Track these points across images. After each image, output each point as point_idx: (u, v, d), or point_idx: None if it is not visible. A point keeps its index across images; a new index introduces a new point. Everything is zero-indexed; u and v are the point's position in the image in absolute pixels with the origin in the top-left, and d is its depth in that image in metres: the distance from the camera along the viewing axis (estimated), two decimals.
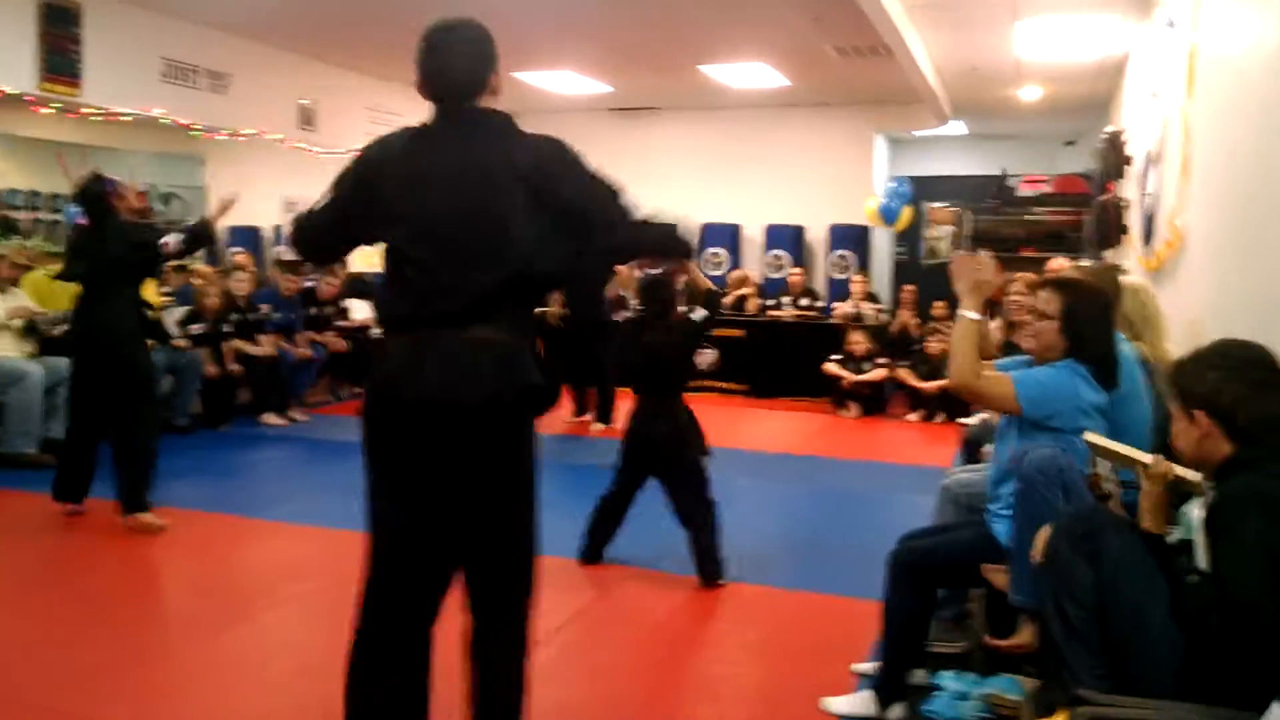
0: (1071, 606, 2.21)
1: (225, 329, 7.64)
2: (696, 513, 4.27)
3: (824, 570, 4.52)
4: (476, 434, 2.13)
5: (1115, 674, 2.20)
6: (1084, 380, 2.82)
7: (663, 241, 2.31)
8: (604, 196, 2.20)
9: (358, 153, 2.28)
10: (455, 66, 2.20)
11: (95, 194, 4.77)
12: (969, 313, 2.91)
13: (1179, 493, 2.39)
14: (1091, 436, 2.63)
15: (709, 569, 4.25)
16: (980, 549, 2.92)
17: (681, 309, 4.47)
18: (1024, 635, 2.75)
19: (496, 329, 2.12)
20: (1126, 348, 3.19)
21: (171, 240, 4.73)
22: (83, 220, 4.86)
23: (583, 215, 2.17)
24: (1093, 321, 2.90)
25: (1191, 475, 2.34)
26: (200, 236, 4.82)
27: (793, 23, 8.01)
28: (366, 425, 2.20)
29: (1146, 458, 2.42)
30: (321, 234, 2.37)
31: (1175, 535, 2.29)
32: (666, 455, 4.32)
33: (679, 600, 4.17)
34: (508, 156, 2.14)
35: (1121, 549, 2.21)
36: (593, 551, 4.47)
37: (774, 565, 4.59)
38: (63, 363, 5.88)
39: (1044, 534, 2.40)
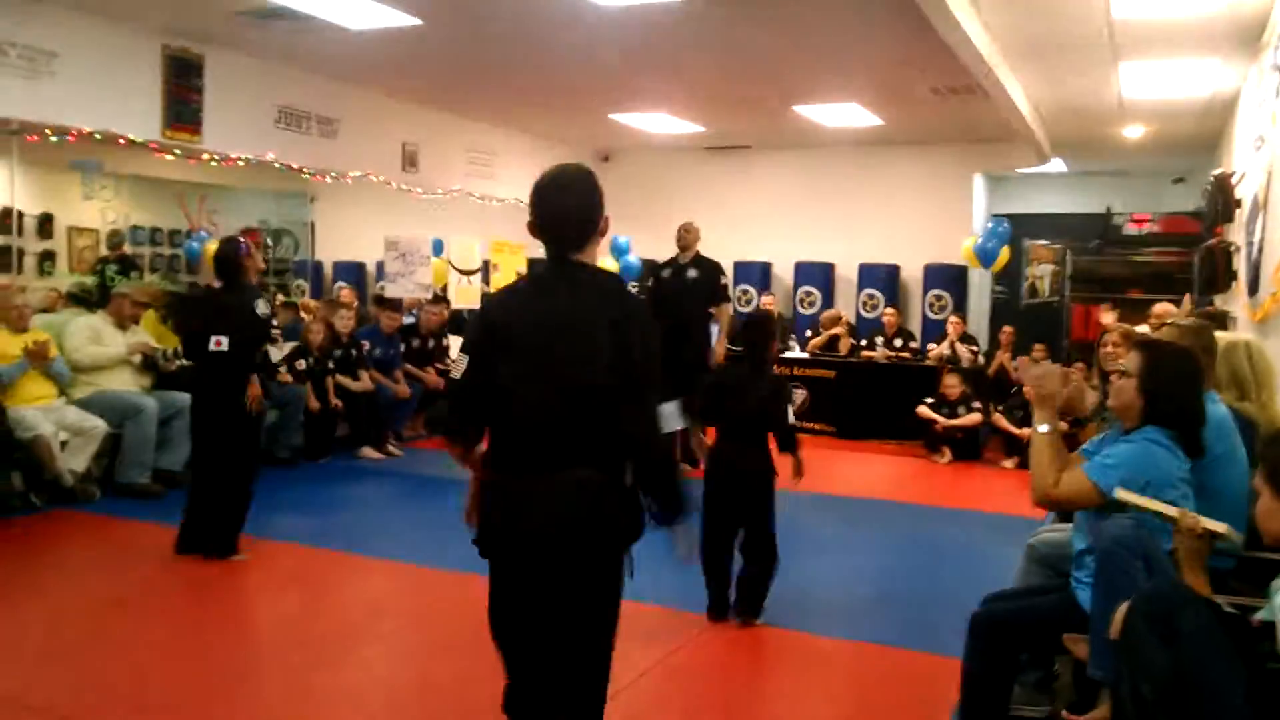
0: (1145, 687, 2.16)
1: (328, 364, 7.92)
2: (764, 550, 4.30)
3: (909, 624, 4.46)
4: (569, 568, 2.29)
5: None
6: (1164, 449, 2.75)
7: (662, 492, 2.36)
8: (646, 381, 2.29)
9: (480, 307, 2.46)
10: (566, 215, 2.35)
11: (231, 258, 5.12)
12: (1041, 426, 2.91)
13: (1216, 545, 2.37)
14: (1121, 492, 2.61)
15: (753, 606, 4.28)
16: (1064, 616, 2.86)
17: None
18: (1102, 710, 2.69)
19: (595, 469, 2.27)
20: (1221, 408, 3.11)
21: (274, 352, 5.00)
22: (217, 283, 5.22)
23: (632, 382, 2.27)
24: (1173, 383, 2.83)
25: (1220, 527, 2.32)
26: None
27: (886, 65, 8.01)
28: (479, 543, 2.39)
29: (1174, 511, 2.40)
30: (474, 394, 2.38)
31: (1259, 617, 2.22)
32: (750, 485, 4.34)
33: (756, 651, 4.16)
34: (606, 309, 2.29)
35: (1199, 630, 2.16)
36: (714, 605, 4.37)
37: (857, 617, 4.55)
38: (179, 397, 6.20)
39: (1122, 609, 2.35)
